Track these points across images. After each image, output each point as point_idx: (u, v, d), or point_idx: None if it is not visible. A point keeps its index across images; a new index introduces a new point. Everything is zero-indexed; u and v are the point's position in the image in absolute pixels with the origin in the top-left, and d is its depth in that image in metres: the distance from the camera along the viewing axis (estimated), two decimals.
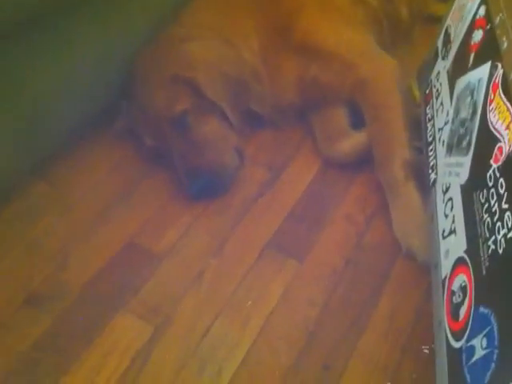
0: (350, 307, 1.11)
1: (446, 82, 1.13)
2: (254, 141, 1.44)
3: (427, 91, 1.29)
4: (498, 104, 0.79)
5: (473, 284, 0.76)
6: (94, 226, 1.25)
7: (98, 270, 1.17)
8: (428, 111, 1.24)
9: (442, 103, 1.14)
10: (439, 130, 1.12)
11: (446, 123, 1.07)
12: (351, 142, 1.36)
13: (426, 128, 1.21)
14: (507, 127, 0.75)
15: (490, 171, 0.75)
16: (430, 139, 1.17)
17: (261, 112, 1.41)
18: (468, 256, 0.79)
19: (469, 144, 0.89)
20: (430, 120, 1.21)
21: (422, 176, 1.21)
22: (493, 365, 0.63)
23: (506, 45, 0.81)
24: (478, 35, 0.99)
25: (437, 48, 1.28)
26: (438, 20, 1.56)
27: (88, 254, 1.20)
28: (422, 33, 1.75)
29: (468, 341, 0.72)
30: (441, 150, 1.07)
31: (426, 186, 1.17)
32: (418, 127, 1.30)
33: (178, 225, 1.26)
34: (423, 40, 1.70)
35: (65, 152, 1.35)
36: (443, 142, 1.06)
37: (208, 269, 1.17)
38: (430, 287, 0.97)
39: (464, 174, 0.89)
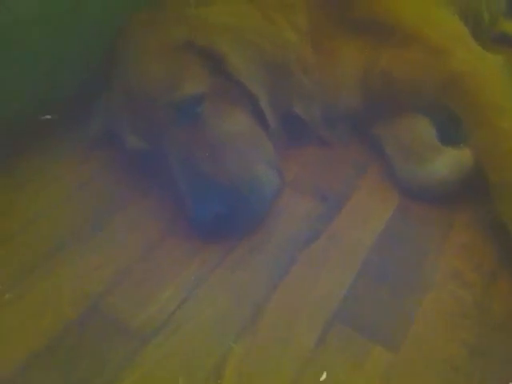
0: None
1: None
2: (297, 158, 0.96)
3: None
4: None
5: None
6: (36, 272, 0.75)
7: (34, 351, 0.65)
8: None
9: None
10: None
11: None
12: (446, 161, 0.88)
13: None
14: None
15: None
16: None
17: (306, 117, 0.94)
18: None
19: None
20: None
21: None
22: None
23: None
24: None
25: None
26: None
27: (20, 319, 0.69)
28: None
29: None
30: None
31: None
32: None
33: (175, 282, 0.75)
34: None
35: (10, 160, 0.88)
36: None
37: (230, 359, 0.66)
38: None
39: None
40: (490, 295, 0.75)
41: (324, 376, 0.64)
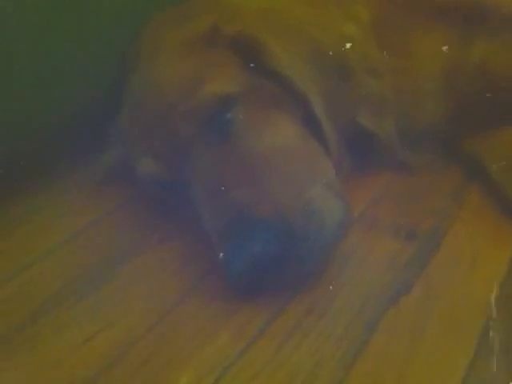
0: None
1: None
2: (368, 187, 0.72)
3: None
4: None
5: None
6: (7, 345, 0.52)
7: None
8: None
9: None
10: None
11: None
12: None
13: None
14: None
15: None
16: None
17: (376, 131, 0.71)
18: None
19: None
20: None
21: None
22: None
23: None
24: None
25: None
26: None
27: None
28: None
29: None
30: None
31: None
32: None
33: (198, 361, 0.50)
34: None
35: (6, 197, 0.70)
36: None
37: None
38: None
39: None
40: None
41: None
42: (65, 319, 0.55)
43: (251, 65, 0.59)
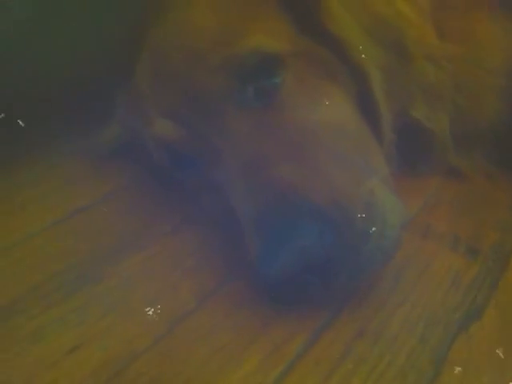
0: None
1: None
2: (415, 189, 0.61)
3: None
4: None
5: None
6: None
7: None
8: None
9: None
10: None
11: None
12: None
13: None
14: None
15: None
16: None
17: (430, 127, 0.60)
18: None
19: None
20: None
21: None
22: None
23: None
24: None
25: None
26: None
27: None
28: None
29: None
30: None
31: None
32: None
33: None
34: None
35: None
36: None
37: None
38: None
39: None
40: None
41: None
42: (48, 318, 0.43)
43: (303, 22, 0.48)
